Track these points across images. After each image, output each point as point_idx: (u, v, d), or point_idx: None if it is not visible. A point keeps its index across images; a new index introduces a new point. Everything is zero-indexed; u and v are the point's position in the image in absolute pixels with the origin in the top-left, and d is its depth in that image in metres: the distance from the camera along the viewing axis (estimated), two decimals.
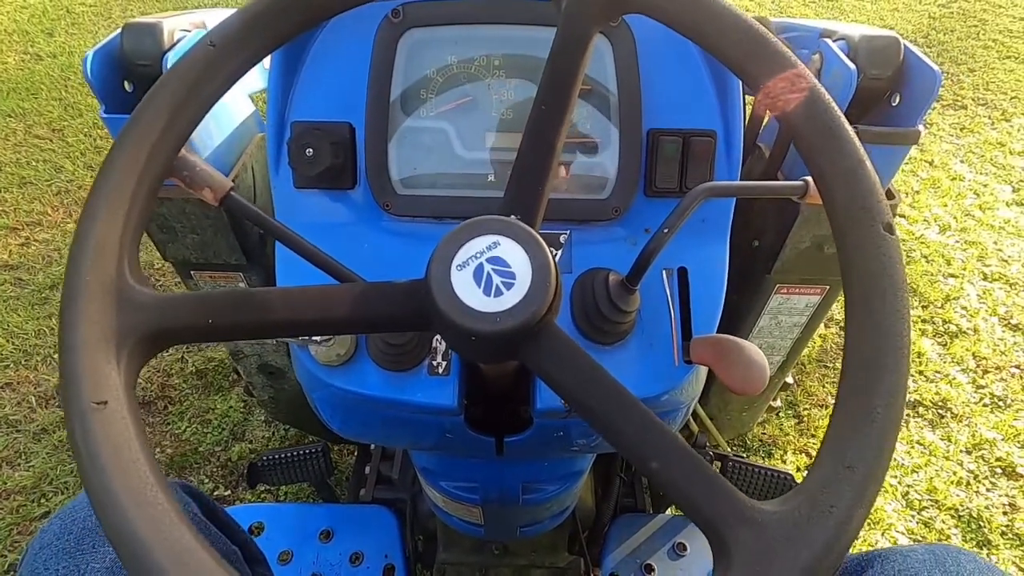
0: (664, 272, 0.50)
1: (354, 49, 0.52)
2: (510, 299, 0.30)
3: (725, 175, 0.52)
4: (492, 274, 0.31)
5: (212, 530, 0.58)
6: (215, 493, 1.40)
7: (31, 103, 2.35)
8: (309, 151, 0.49)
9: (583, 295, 0.47)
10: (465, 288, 0.30)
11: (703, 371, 0.51)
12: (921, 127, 0.65)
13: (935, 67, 0.62)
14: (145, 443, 0.27)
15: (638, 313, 0.48)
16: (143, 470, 0.26)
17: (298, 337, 0.45)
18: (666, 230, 0.42)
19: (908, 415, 1.57)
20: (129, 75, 0.67)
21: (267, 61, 0.54)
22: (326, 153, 0.49)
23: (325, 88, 0.53)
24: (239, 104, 0.80)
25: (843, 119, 0.32)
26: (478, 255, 0.31)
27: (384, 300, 0.32)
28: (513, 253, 0.31)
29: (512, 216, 0.33)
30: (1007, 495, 1.34)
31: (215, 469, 1.45)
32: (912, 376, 1.64)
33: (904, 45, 0.64)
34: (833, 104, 0.33)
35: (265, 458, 0.94)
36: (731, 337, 0.42)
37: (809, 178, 0.43)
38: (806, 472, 0.29)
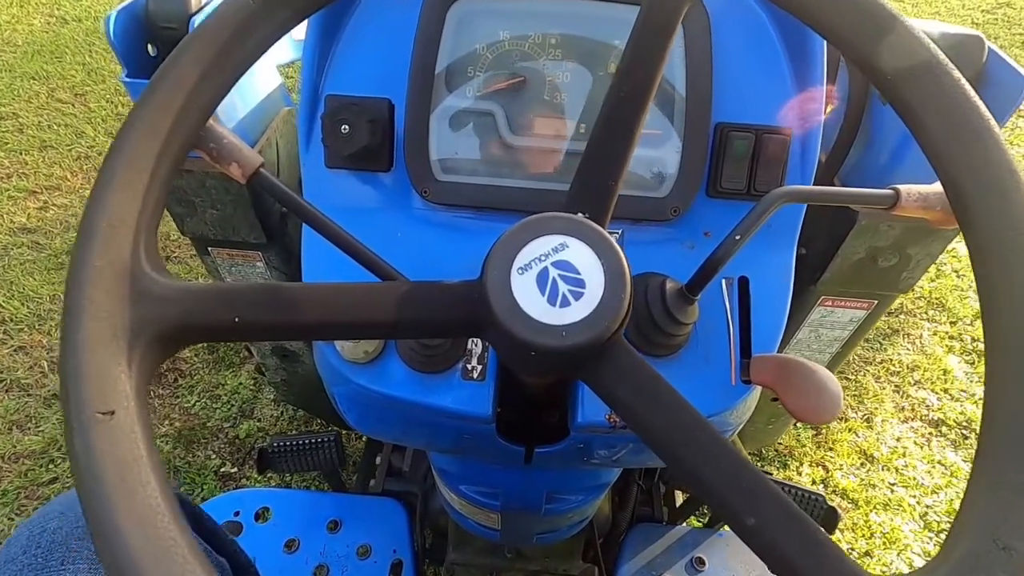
0: (724, 282, 0.45)
1: (398, 18, 0.48)
2: (578, 311, 0.26)
3: (798, 178, 0.47)
4: (558, 280, 0.27)
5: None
6: (222, 470, 1.40)
7: (55, 66, 2.33)
8: (345, 128, 0.45)
9: (635, 302, 0.43)
10: (527, 295, 0.27)
11: (757, 391, 0.47)
12: None
13: (1023, 71, 0.57)
14: (157, 462, 0.23)
15: (694, 325, 0.44)
16: (152, 497, 0.23)
17: (334, 340, 0.42)
18: (738, 236, 0.37)
19: (930, 434, 1.52)
20: (153, 38, 0.63)
21: (299, 31, 0.50)
22: (363, 131, 0.45)
23: (364, 60, 0.49)
24: (265, 75, 0.77)
25: (987, 112, 0.27)
26: (543, 257, 0.27)
27: (432, 303, 0.28)
28: (583, 257, 0.27)
29: (580, 214, 0.29)
30: None
31: (223, 445, 1.44)
32: (937, 394, 1.59)
33: (988, 46, 0.59)
34: (972, 93, 0.27)
35: (276, 444, 0.91)
36: (800, 359, 0.38)
37: (901, 187, 0.39)
38: (943, 543, 0.23)
